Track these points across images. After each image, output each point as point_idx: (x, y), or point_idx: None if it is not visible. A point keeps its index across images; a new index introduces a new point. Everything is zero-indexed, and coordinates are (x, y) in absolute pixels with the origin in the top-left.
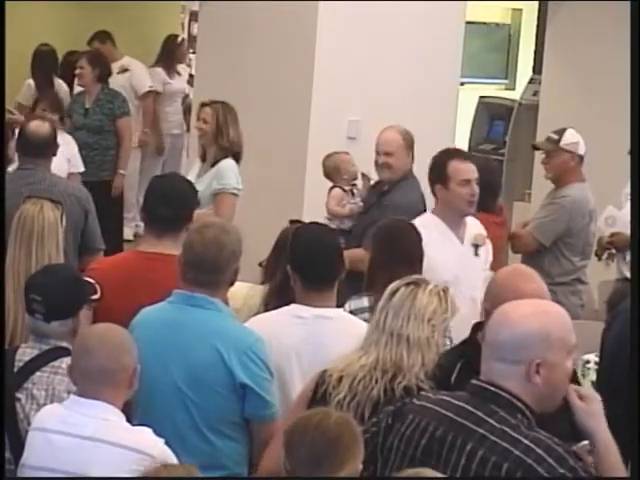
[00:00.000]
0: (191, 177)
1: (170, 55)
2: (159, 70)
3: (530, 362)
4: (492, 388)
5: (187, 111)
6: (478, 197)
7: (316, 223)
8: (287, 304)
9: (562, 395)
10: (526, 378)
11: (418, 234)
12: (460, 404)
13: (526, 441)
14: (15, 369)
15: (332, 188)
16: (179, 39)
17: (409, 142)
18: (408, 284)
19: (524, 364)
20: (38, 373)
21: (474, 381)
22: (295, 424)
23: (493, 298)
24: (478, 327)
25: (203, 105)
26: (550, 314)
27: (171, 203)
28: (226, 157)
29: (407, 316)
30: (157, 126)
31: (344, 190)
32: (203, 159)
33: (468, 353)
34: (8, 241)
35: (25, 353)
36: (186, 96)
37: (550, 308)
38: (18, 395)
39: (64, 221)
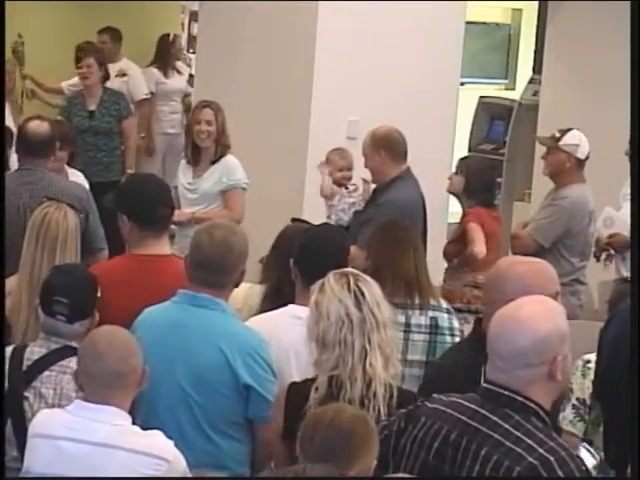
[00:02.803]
0: (186, 179)
1: (165, 54)
2: (154, 70)
3: (553, 360)
4: (506, 392)
5: (188, 110)
6: (478, 193)
7: (328, 224)
8: (284, 303)
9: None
10: (548, 377)
11: (418, 229)
12: (474, 407)
13: (541, 450)
14: (24, 367)
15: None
16: (171, 37)
17: (376, 140)
18: (341, 276)
19: (547, 363)
20: (46, 372)
21: (486, 386)
22: (309, 419)
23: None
24: (480, 322)
25: (202, 107)
26: (551, 305)
27: (166, 202)
28: (223, 154)
29: (375, 302)
30: (148, 127)
31: (338, 185)
32: (194, 161)
33: (482, 348)
34: (26, 242)
35: (34, 352)
36: (186, 95)
37: (547, 299)
38: (26, 394)
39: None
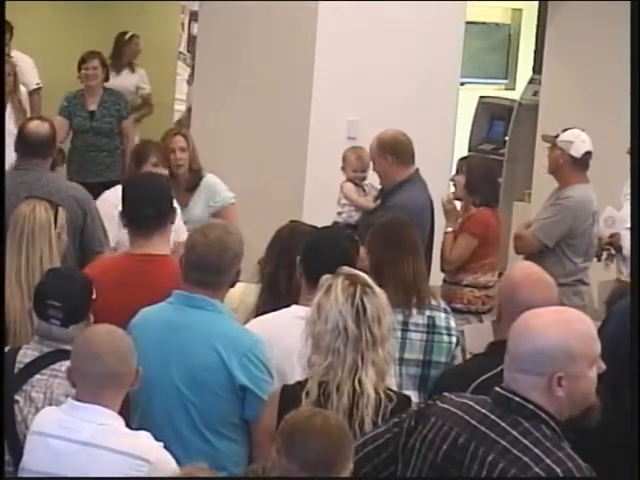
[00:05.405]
0: None
1: (117, 52)
2: None
3: (552, 375)
4: (517, 398)
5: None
6: (481, 191)
7: (337, 226)
8: (280, 297)
9: (588, 404)
10: (548, 390)
11: (419, 229)
12: (484, 412)
13: (548, 460)
14: (15, 370)
15: (344, 183)
16: (127, 36)
17: (382, 145)
18: (349, 285)
19: (546, 376)
20: (37, 376)
21: (498, 390)
22: (294, 426)
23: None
24: None
25: (173, 135)
26: (571, 324)
27: (153, 201)
28: (199, 179)
29: (375, 318)
30: None
31: (356, 184)
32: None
33: None
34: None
35: (26, 355)
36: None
37: (572, 317)
38: (16, 397)
39: (59, 221)
